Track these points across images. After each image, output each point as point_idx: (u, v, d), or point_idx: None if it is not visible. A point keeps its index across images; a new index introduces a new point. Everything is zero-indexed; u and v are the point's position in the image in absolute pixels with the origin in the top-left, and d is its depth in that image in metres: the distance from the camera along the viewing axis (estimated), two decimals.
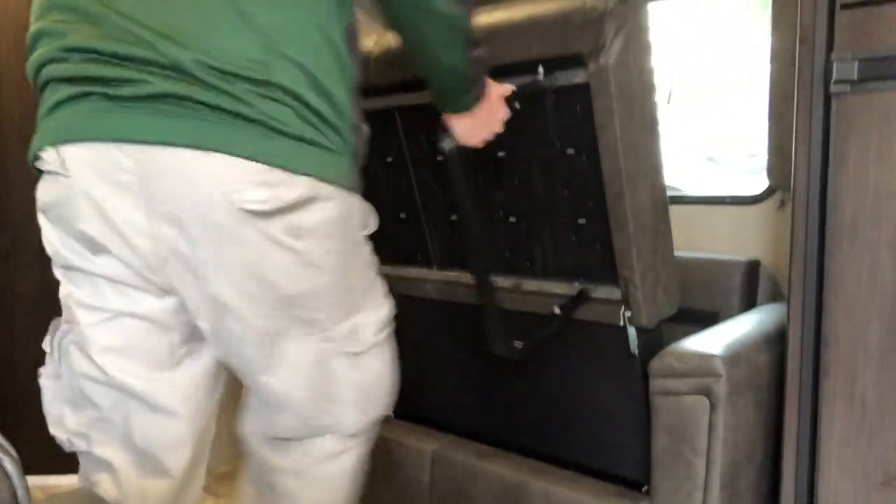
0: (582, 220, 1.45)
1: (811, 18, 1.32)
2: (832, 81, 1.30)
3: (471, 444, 1.74)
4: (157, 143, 0.85)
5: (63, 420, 1.10)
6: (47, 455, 2.38)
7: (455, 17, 1.00)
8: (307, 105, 0.88)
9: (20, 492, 0.84)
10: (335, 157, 0.94)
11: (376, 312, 1.09)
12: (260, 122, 0.85)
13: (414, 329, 1.83)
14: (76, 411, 1.07)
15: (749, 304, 2.03)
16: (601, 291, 1.48)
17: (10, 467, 0.83)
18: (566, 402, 1.61)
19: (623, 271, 1.39)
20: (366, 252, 1.07)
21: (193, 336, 1.03)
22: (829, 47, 1.30)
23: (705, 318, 2.03)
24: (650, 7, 2.32)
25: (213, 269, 0.90)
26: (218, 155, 0.84)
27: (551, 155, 1.44)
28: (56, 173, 0.95)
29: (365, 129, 1.04)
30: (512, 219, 1.56)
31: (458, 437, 1.82)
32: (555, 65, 1.34)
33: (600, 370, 1.53)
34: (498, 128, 1.30)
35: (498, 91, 1.27)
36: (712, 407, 1.37)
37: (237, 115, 0.84)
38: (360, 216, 1.03)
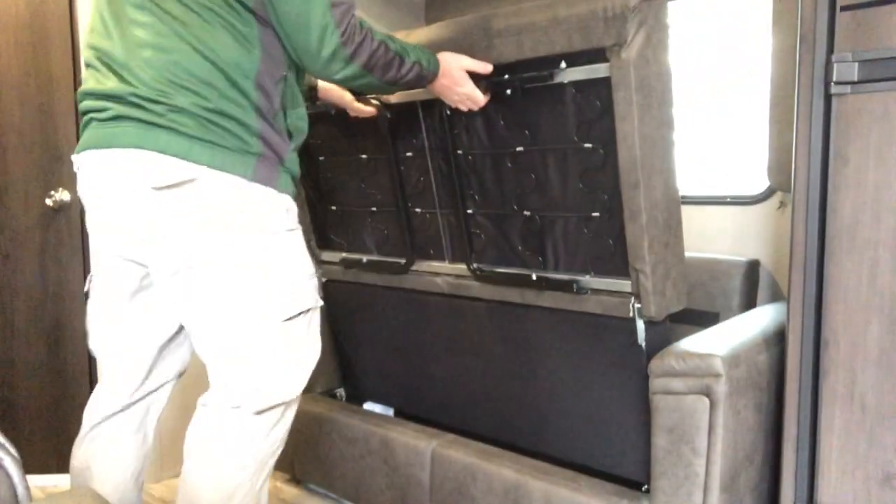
0: (595, 214, 1.47)
1: (811, 19, 1.32)
2: (832, 82, 1.30)
3: (471, 443, 1.75)
4: (111, 147, 1.24)
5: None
6: (47, 454, 2.38)
7: (393, 84, 1.39)
8: (205, 118, 1.21)
9: (20, 490, 0.84)
10: (228, 153, 1.22)
11: (291, 303, 1.29)
12: (169, 128, 1.20)
13: (424, 323, 1.83)
14: None
15: (749, 304, 2.03)
16: (611, 284, 1.50)
17: (11, 466, 0.83)
18: (571, 398, 1.61)
19: (634, 262, 1.42)
20: (282, 242, 1.29)
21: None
22: (830, 48, 1.30)
23: (705, 318, 2.03)
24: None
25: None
26: (140, 150, 1.21)
27: (568, 149, 1.47)
28: (77, 173, 1.35)
29: (295, 134, 1.34)
30: (526, 213, 1.58)
31: (459, 437, 1.82)
32: (577, 59, 1.40)
33: (607, 364, 1.53)
34: (465, 95, 1.51)
35: (460, 63, 1.48)
36: (712, 407, 1.37)
37: (156, 124, 1.21)
38: (256, 200, 1.26)
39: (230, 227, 1.24)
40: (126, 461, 1.46)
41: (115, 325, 1.39)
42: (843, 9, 1.28)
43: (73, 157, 1.33)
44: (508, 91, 1.50)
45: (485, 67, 1.48)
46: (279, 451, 1.39)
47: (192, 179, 1.21)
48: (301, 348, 1.33)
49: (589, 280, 1.51)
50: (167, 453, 2.37)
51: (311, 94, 1.69)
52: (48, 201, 2.27)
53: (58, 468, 2.38)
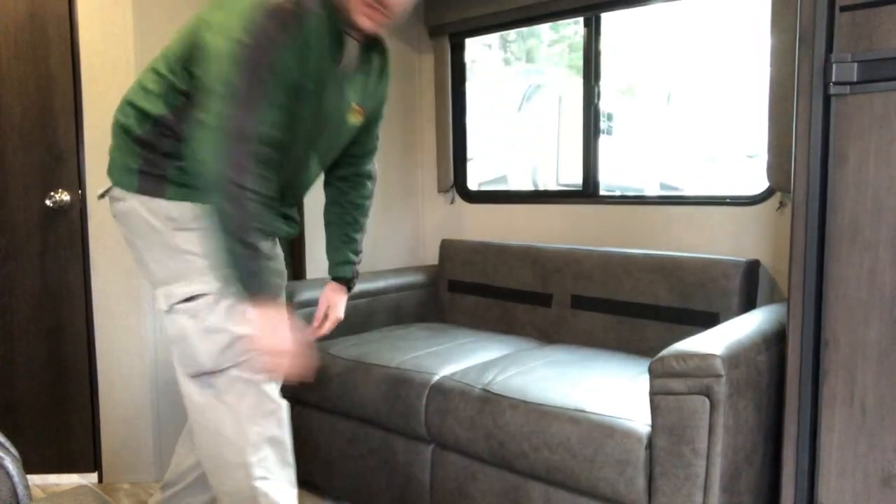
0: None
1: (810, 20, 1.32)
2: (831, 82, 1.30)
3: (471, 444, 1.75)
4: None
5: None
6: (47, 454, 2.39)
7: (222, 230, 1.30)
8: (118, 145, 1.45)
9: (21, 490, 0.84)
10: (133, 174, 1.41)
11: (184, 287, 1.39)
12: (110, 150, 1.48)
13: None
14: None
15: (749, 304, 2.03)
16: None
17: (11, 466, 0.84)
18: None
19: None
20: (174, 240, 1.40)
21: None
22: (829, 49, 1.31)
23: (705, 319, 2.03)
24: (653, 8, 2.33)
25: None
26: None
27: None
28: None
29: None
30: None
31: (458, 437, 1.82)
32: None
33: None
34: (273, 355, 1.36)
35: (272, 341, 1.34)
36: (712, 407, 1.37)
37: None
38: (163, 214, 1.40)
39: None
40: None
41: None
42: (843, 9, 1.28)
43: None
44: None
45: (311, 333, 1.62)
46: (250, 428, 1.42)
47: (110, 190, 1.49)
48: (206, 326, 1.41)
49: None
50: (167, 454, 2.37)
51: None
52: (48, 201, 2.27)
53: (58, 468, 2.38)
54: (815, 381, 1.38)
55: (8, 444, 0.87)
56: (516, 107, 5.25)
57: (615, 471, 1.48)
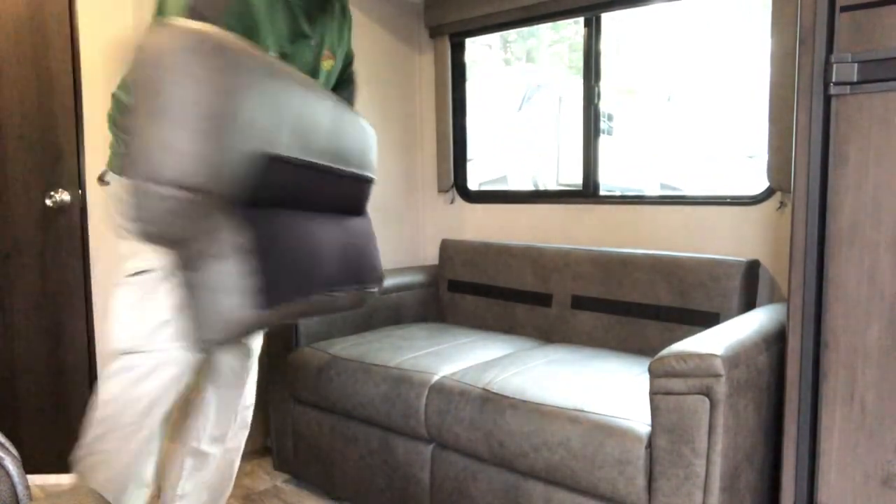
0: None
1: (811, 20, 1.32)
2: (832, 83, 1.30)
3: (471, 444, 1.75)
4: None
5: None
6: (47, 454, 2.38)
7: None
8: (111, 132, 1.51)
9: (20, 490, 0.84)
10: (118, 157, 1.49)
11: (133, 260, 1.44)
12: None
13: None
14: None
15: (749, 304, 2.03)
16: None
17: (11, 466, 0.84)
18: None
19: None
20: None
21: None
22: (829, 49, 1.31)
23: (705, 318, 2.03)
24: (653, 8, 2.33)
25: None
26: None
27: None
28: None
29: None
30: None
31: (458, 438, 1.82)
32: None
33: None
34: None
35: None
36: (712, 407, 1.37)
37: None
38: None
39: None
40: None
41: None
42: (843, 10, 1.28)
43: None
44: None
45: None
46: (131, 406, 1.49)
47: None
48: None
49: None
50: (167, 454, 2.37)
51: None
52: (48, 201, 2.27)
53: (58, 468, 2.38)
54: (815, 381, 1.38)
55: (8, 444, 0.87)
56: (516, 107, 5.25)
57: (615, 470, 1.48)
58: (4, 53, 2.22)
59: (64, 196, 2.27)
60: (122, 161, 1.46)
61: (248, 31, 1.36)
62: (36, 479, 2.38)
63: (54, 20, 2.22)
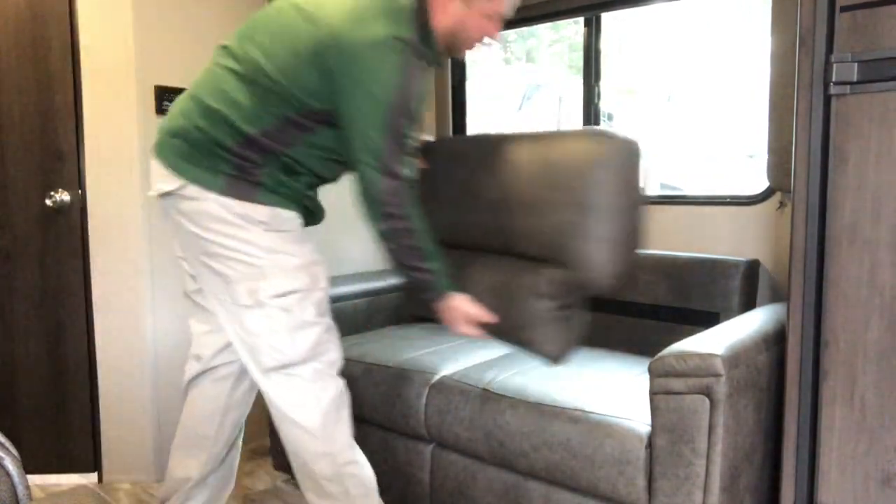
0: None
1: (811, 20, 1.32)
2: (832, 82, 1.30)
3: (471, 444, 1.75)
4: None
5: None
6: (48, 454, 2.38)
7: (398, 264, 1.51)
8: (199, 148, 1.45)
9: (21, 490, 0.84)
10: (204, 171, 1.44)
11: (277, 284, 1.46)
12: (171, 146, 1.49)
13: None
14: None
15: (749, 304, 2.03)
16: None
17: (11, 466, 0.84)
18: None
19: None
20: (261, 240, 1.45)
21: None
22: (829, 49, 1.31)
23: (705, 318, 2.03)
24: (653, 8, 2.33)
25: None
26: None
27: None
28: None
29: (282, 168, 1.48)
30: None
31: (458, 438, 1.82)
32: None
33: None
34: (466, 332, 1.60)
35: (468, 312, 1.57)
36: (712, 407, 1.37)
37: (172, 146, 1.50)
38: (251, 216, 1.45)
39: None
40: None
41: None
42: (843, 9, 1.28)
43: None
44: None
45: (490, 318, 1.57)
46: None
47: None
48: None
49: None
50: (167, 454, 2.38)
51: None
52: (48, 201, 2.27)
53: (58, 468, 2.38)
54: (815, 381, 1.38)
55: (8, 444, 0.87)
56: (516, 107, 5.25)
57: (615, 470, 1.48)
58: (4, 53, 2.22)
59: (64, 196, 2.27)
60: (242, 186, 1.44)
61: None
62: (36, 479, 2.38)
63: (54, 20, 2.22)
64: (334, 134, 1.46)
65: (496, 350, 2.14)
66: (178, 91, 2.32)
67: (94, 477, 2.38)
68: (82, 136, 2.26)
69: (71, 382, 2.35)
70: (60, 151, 2.27)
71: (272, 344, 1.47)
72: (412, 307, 2.38)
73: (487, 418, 1.70)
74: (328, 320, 1.55)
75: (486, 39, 1.56)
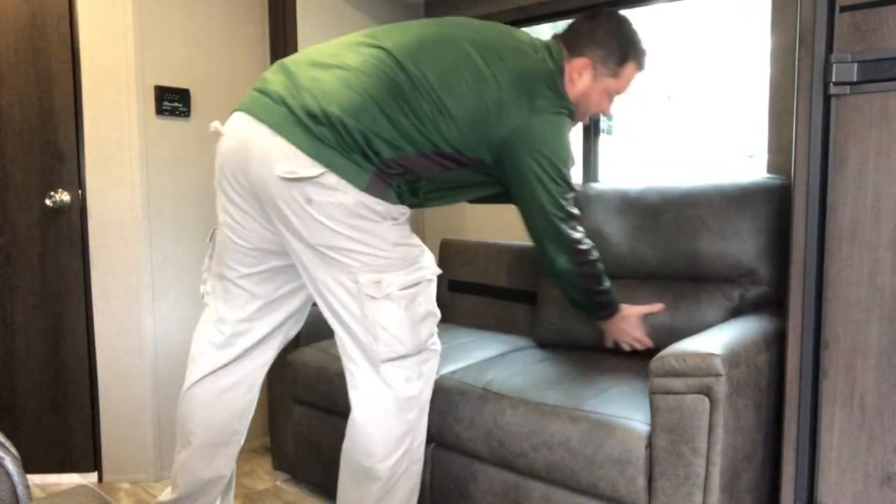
0: None
1: (811, 20, 1.32)
2: (832, 83, 1.30)
3: (471, 444, 1.75)
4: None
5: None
6: (48, 454, 2.39)
7: (570, 275, 1.69)
8: (349, 144, 1.44)
9: (20, 490, 0.84)
10: (352, 165, 1.43)
11: (406, 276, 1.51)
12: (310, 131, 1.44)
13: None
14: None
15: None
16: None
17: (11, 466, 0.84)
18: None
19: None
20: (389, 234, 1.50)
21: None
22: (829, 49, 1.31)
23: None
24: (653, 8, 2.33)
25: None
26: (279, 137, 1.44)
27: None
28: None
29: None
30: None
31: (458, 437, 1.82)
32: None
33: None
34: (633, 338, 1.89)
35: (638, 310, 1.86)
36: (712, 407, 1.37)
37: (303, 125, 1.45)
38: (386, 213, 1.49)
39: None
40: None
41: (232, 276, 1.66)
42: (843, 9, 1.28)
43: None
44: None
45: (657, 308, 1.80)
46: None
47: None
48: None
49: None
50: (167, 453, 2.38)
51: None
52: (48, 201, 2.27)
53: (58, 468, 2.38)
54: (815, 381, 1.38)
55: (8, 444, 0.87)
56: None
57: (615, 470, 1.48)
58: (4, 53, 2.22)
59: (64, 196, 2.27)
60: (381, 185, 1.48)
61: None
62: (36, 479, 2.38)
63: (54, 20, 2.22)
64: (467, 174, 1.61)
65: (496, 350, 2.14)
66: (179, 91, 2.33)
67: (94, 477, 2.38)
68: (82, 136, 2.26)
69: (71, 382, 2.35)
70: (60, 151, 2.27)
71: (396, 336, 1.50)
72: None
73: (487, 418, 1.70)
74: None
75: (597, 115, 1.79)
